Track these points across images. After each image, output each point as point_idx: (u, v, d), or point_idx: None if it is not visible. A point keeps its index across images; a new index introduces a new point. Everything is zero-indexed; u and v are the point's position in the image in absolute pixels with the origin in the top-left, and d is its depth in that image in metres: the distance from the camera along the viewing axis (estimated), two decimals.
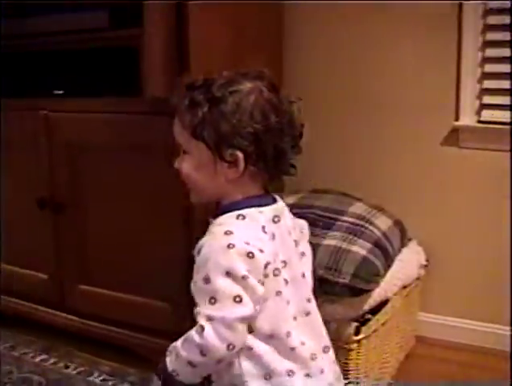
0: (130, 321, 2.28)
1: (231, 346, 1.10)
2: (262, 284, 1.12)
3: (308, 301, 1.26)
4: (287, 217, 1.25)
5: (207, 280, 1.11)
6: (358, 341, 1.85)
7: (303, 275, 1.26)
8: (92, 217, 2.29)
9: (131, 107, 2.11)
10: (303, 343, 1.20)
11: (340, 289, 1.78)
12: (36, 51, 2.38)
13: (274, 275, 1.16)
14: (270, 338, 1.17)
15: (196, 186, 1.23)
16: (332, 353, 1.28)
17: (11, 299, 2.63)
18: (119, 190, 2.20)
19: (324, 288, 1.79)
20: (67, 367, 2.37)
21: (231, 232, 1.11)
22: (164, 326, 2.19)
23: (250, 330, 1.15)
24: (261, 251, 1.11)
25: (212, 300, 1.10)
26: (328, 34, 2.48)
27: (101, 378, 2.28)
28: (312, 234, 1.86)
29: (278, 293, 1.17)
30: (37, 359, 2.43)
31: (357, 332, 1.84)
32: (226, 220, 1.17)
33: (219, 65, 2.05)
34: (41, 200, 2.35)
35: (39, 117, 2.32)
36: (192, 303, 2.00)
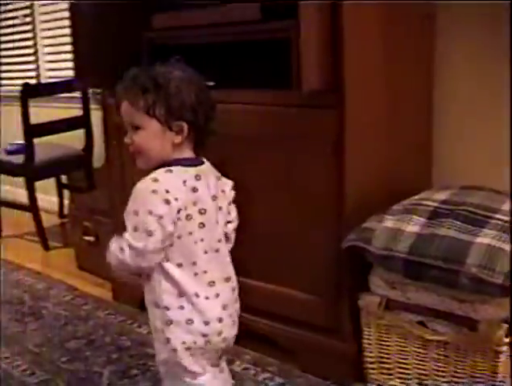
0: (275, 311, 2.35)
1: (140, 267, 1.59)
2: (174, 224, 1.54)
3: (219, 241, 1.67)
4: (211, 177, 1.66)
5: (136, 212, 1.54)
6: (510, 343, 1.83)
7: (217, 222, 1.66)
8: (243, 209, 2.38)
9: (283, 99, 2.18)
10: (205, 272, 1.62)
11: (492, 289, 1.76)
12: (189, 44, 2.50)
13: (187, 219, 1.57)
14: (180, 265, 1.59)
15: (149, 154, 1.60)
16: (233, 282, 1.72)
17: None
18: (270, 182, 2.27)
19: (477, 287, 1.78)
20: None
21: (157, 180, 1.54)
22: (309, 318, 2.25)
23: (167, 259, 1.58)
24: (176, 199, 1.53)
25: (135, 228, 1.54)
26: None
27: (243, 367, 2.38)
28: (465, 231, 1.86)
29: (190, 233, 1.58)
30: None
31: (508, 334, 1.82)
32: (157, 171, 1.58)
33: (370, 58, 2.10)
34: None
35: None
36: (339, 298, 2.07)
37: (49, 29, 4.42)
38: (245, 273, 2.36)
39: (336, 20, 1.96)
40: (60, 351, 2.58)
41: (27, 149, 3.67)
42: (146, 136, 1.60)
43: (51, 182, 4.17)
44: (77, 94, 3.89)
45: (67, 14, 3.98)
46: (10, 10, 4.72)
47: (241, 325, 2.43)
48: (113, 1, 2.57)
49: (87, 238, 3.29)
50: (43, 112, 3.92)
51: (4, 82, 4.84)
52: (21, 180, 3.92)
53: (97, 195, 3.47)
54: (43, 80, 4.54)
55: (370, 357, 2.11)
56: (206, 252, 1.63)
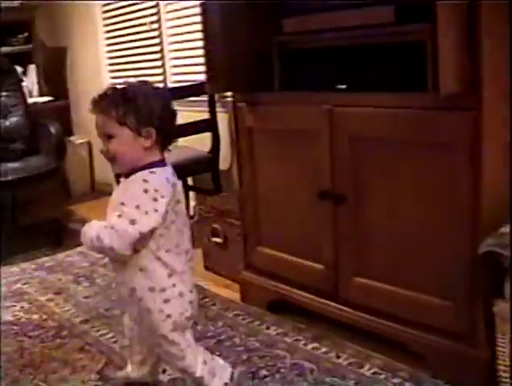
0: (405, 316, 2.36)
1: (112, 249, 1.86)
2: (163, 218, 1.86)
3: (184, 223, 2.00)
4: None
5: (123, 204, 1.85)
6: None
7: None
8: (373, 210, 2.41)
9: (417, 102, 2.19)
10: (186, 252, 2.00)
11: None
12: (320, 47, 2.57)
13: (172, 211, 1.90)
14: (168, 250, 1.93)
15: (123, 158, 1.90)
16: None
17: (283, 286, 2.86)
18: (401, 186, 2.29)
19: None
20: (338, 357, 2.52)
21: (147, 181, 1.85)
22: (441, 323, 2.25)
23: (158, 247, 1.91)
24: (162, 197, 1.84)
25: (120, 215, 1.84)
26: None
27: (372, 371, 2.40)
28: None
29: (173, 221, 1.91)
30: (309, 347, 2.62)
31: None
32: (143, 173, 1.87)
33: (505, 60, 2.09)
34: (323, 191, 2.53)
35: (323, 111, 2.49)
36: (473, 304, 2.07)
37: (175, 34, 4.60)
38: (376, 276, 2.40)
39: (473, 21, 1.98)
40: None
41: None
42: (120, 143, 1.89)
43: None
44: (204, 98, 4.04)
45: (192, 19, 4.19)
46: (139, 18, 4.95)
47: (372, 329, 2.48)
48: (245, 1, 2.67)
49: (215, 239, 3.41)
50: None
51: None
52: None
53: (226, 197, 3.60)
54: (169, 84, 4.73)
55: (504, 365, 2.10)
56: (183, 234, 1.98)
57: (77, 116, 5.84)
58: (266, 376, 2.43)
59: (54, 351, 2.78)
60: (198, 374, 2.05)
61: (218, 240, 3.38)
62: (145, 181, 1.86)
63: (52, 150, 4.49)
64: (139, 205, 1.83)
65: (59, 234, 4.35)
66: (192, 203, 4.43)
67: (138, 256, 1.92)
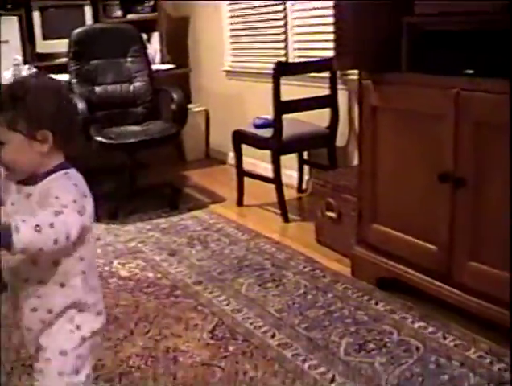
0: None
1: (56, 241, 1.52)
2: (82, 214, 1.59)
3: None
4: None
5: (57, 198, 1.58)
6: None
7: None
8: (492, 196, 2.43)
9: None
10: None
11: None
12: (450, 30, 2.59)
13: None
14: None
15: (19, 167, 1.64)
16: None
17: (395, 264, 2.94)
18: None
19: None
20: (444, 337, 2.59)
21: (70, 177, 1.65)
22: None
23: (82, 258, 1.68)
24: (84, 195, 1.63)
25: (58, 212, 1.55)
26: None
27: (478, 354, 2.45)
28: None
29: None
30: (416, 325, 2.69)
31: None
32: (57, 175, 1.65)
33: None
34: (443, 174, 2.58)
35: (450, 95, 2.53)
36: None
37: (299, 10, 4.69)
38: (490, 261, 2.44)
39: None
40: (300, 318, 2.82)
41: (276, 124, 3.97)
42: (12, 150, 1.63)
43: (292, 157, 4.46)
44: (325, 74, 4.13)
45: None
46: None
47: (481, 313, 2.52)
48: None
49: (329, 214, 3.51)
50: (292, 89, 4.21)
51: (257, 60, 5.21)
52: (263, 153, 4.27)
53: (342, 173, 3.69)
54: (290, 60, 4.83)
55: None
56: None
57: (196, 84, 6.05)
58: (372, 350, 2.53)
59: (168, 308, 2.97)
60: None
61: (332, 214, 3.48)
62: (68, 178, 1.66)
63: (173, 117, 4.70)
64: (76, 200, 1.60)
65: (174, 198, 4.56)
66: (306, 177, 4.55)
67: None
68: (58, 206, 1.56)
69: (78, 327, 1.73)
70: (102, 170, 4.76)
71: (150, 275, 3.36)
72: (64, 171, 1.67)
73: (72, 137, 1.72)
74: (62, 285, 1.69)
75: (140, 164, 4.73)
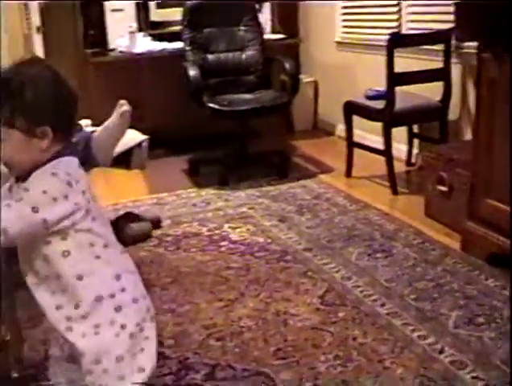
0: None
1: (4, 231, 1.48)
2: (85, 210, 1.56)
3: None
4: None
5: (25, 190, 1.53)
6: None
7: None
8: None
9: None
10: None
11: None
12: None
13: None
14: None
15: (18, 164, 1.57)
16: None
17: (506, 239, 2.88)
18: None
19: None
20: None
21: (56, 168, 1.55)
22: None
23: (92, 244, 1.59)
24: (77, 182, 1.56)
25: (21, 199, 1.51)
26: None
27: None
28: None
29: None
30: None
31: None
32: (42, 169, 1.55)
33: None
34: None
35: None
36: None
37: None
38: None
39: None
40: (409, 289, 2.83)
41: (388, 96, 3.95)
42: (11, 148, 1.55)
43: (401, 130, 4.43)
44: (438, 47, 4.07)
45: None
46: None
47: None
48: None
49: (440, 188, 3.48)
50: (403, 61, 4.16)
51: (369, 32, 5.18)
52: (372, 125, 4.26)
53: (454, 147, 3.65)
54: (403, 32, 4.77)
55: None
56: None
57: (306, 55, 6.06)
58: (482, 324, 2.52)
59: (278, 273, 3.04)
60: None
61: (443, 188, 3.45)
62: (53, 166, 1.57)
63: (284, 86, 4.74)
64: (46, 191, 1.52)
65: (283, 166, 4.61)
66: (415, 151, 4.52)
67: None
68: (20, 198, 1.52)
69: (123, 327, 1.64)
70: (213, 136, 4.88)
71: (261, 240, 3.43)
72: (53, 163, 1.58)
73: (73, 127, 1.67)
74: (80, 278, 1.60)
75: (250, 132, 4.80)
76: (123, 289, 1.64)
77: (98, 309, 1.61)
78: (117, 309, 1.62)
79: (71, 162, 1.61)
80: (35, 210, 1.50)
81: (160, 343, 2.42)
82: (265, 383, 2.21)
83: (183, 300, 2.82)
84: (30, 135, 1.55)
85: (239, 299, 2.79)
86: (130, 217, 3.56)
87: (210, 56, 4.99)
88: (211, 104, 4.44)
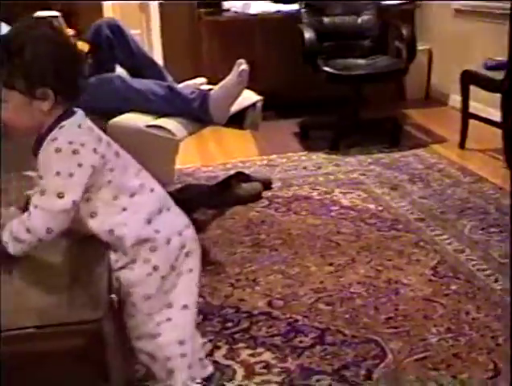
0: None
1: (50, 230, 1.52)
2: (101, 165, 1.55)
3: None
4: None
5: (41, 178, 1.54)
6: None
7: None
8: None
9: None
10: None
11: None
12: None
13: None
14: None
15: (19, 126, 1.56)
16: None
17: None
18: None
19: None
20: None
21: (56, 138, 1.53)
22: None
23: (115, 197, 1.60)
24: (82, 145, 1.53)
25: (43, 191, 1.53)
26: None
27: None
28: None
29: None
30: None
31: None
32: (51, 134, 1.55)
33: None
34: None
35: None
36: None
37: None
38: None
39: None
40: None
41: (510, 66, 3.80)
42: (11, 109, 1.53)
43: None
44: None
45: None
46: None
47: None
48: None
49: None
50: None
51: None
52: (489, 96, 4.11)
53: None
54: None
55: None
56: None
57: (421, 22, 5.87)
58: None
59: (389, 241, 3.00)
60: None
61: None
62: (53, 140, 1.54)
63: (399, 52, 4.63)
64: (59, 171, 1.51)
65: (396, 134, 4.52)
66: None
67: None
68: (43, 191, 1.53)
69: (155, 268, 1.65)
70: (324, 101, 4.83)
71: (372, 207, 3.39)
72: (58, 127, 1.56)
73: (78, 92, 1.60)
74: (111, 233, 1.62)
75: (363, 98, 4.72)
76: (156, 231, 1.64)
77: (134, 253, 1.63)
78: (152, 249, 1.64)
79: (72, 126, 1.57)
80: (60, 195, 1.51)
81: (269, 304, 2.45)
82: (374, 351, 2.18)
83: (293, 262, 2.82)
84: (31, 97, 1.52)
85: (350, 265, 2.77)
86: (241, 177, 3.58)
87: (326, 19, 4.93)
88: (325, 68, 4.40)
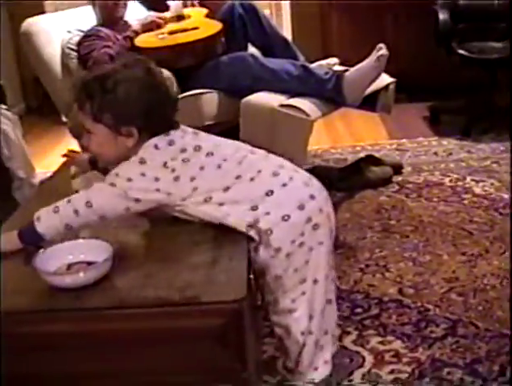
0: None
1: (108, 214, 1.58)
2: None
3: None
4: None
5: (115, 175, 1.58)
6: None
7: None
8: None
9: None
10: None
11: None
12: None
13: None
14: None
15: (105, 157, 1.65)
16: None
17: None
18: None
19: None
20: None
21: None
22: None
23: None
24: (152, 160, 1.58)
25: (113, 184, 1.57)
26: None
27: None
28: None
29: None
30: None
31: None
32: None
33: None
34: None
35: None
36: None
37: None
38: None
39: None
40: None
41: None
42: (97, 141, 1.62)
43: None
44: None
45: None
46: None
47: None
48: None
49: None
50: None
51: None
52: None
53: None
54: None
55: None
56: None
57: None
58: None
59: None
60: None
61: None
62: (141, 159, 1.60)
63: None
64: (131, 177, 1.58)
65: None
66: None
67: None
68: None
69: (277, 250, 1.65)
70: (456, 85, 4.65)
71: (506, 196, 3.25)
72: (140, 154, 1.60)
73: (163, 126, 1.63)
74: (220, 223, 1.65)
75: (498, 83, 4.51)
76: (267, 213, 1.62)
77: (254, 237, 1.63)
78: (268, 232, 1.63)
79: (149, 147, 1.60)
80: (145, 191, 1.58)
81: (399, 291, 2.39)
82: (508, 347, 2.08)
83: (424, 250, 2.74)
84: (116, 132, 1.59)
85: (483, 255, 2.66)
86: (371, 160, 3.51)
87: (461, 0, 4.72)
88: (460, 51, 4.24)
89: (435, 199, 3.24)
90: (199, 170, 1.59)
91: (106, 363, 1.40)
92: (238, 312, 1.34)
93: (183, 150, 1.59)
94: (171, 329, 1.37)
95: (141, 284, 1.45)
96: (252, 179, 1.62)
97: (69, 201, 1.57)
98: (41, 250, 1.51)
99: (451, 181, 3.47)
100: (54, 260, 1.50)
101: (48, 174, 2.87)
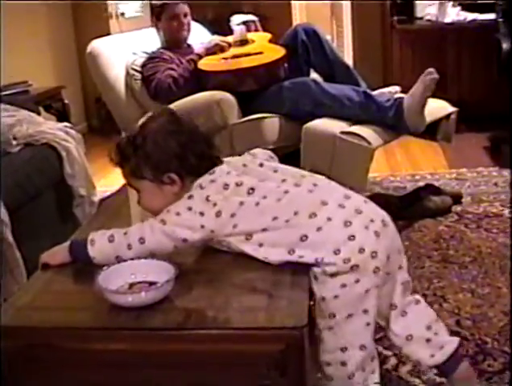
0: None
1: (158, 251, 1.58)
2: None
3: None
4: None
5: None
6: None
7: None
8: None
9: None
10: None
11: None
12: None
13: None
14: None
15: (159, 209, 1.63)
16: None
17: None
18: None
19: None
20: None
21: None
22: None
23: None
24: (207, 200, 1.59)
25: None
26: None
27: None
28: None
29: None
30: None
31: None
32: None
33: None
34: None
35: None
36: None
37: None
38: None
39: None
40: None
41: None
42: (146, 196, 1.69)
43: None
44: None
45: None
46: None
47: None
48: None
49: None
50: None
51: None
52: None
53: None
54: None
55: None
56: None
57: None
58: None
59: None
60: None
61: None
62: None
63: None
64: (179, 212, 1.60)
65: None
66: None
67: None
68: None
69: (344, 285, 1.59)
70: None
71: None
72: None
73: (203, 164, 1.66)
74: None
75: None
76: (300, 257, 1.58)
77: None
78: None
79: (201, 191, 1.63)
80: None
81: (457, 322, 2.34)
82: None
83: (483, 281, 2.67)
84: (160, 183, 1.65)
85: None
86: (430, 189, 3.46)
87: None
88: None
89: (494, 230, 3.17)
90: (238, 206, 1.58)
91: (163, 383, 1.40)
92: (300, 339, 1.32)
93: (226, 186, 1.61)
94: (229, 352, 1.36)
95: (201, 306, 1.45)
96: (287, 221, 1.57)
97: (125, 233, 1.59)
98: (105, 267, 1.53)
99: (511, 212, 3.39)
100: (116, 279, 1.52)
101: (107, 193, 2.92)
